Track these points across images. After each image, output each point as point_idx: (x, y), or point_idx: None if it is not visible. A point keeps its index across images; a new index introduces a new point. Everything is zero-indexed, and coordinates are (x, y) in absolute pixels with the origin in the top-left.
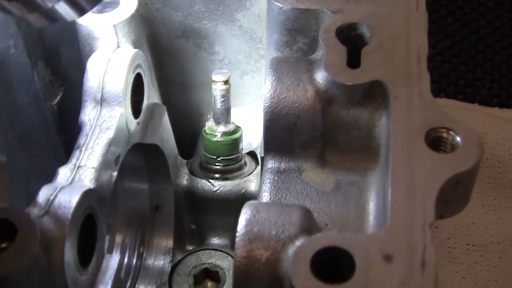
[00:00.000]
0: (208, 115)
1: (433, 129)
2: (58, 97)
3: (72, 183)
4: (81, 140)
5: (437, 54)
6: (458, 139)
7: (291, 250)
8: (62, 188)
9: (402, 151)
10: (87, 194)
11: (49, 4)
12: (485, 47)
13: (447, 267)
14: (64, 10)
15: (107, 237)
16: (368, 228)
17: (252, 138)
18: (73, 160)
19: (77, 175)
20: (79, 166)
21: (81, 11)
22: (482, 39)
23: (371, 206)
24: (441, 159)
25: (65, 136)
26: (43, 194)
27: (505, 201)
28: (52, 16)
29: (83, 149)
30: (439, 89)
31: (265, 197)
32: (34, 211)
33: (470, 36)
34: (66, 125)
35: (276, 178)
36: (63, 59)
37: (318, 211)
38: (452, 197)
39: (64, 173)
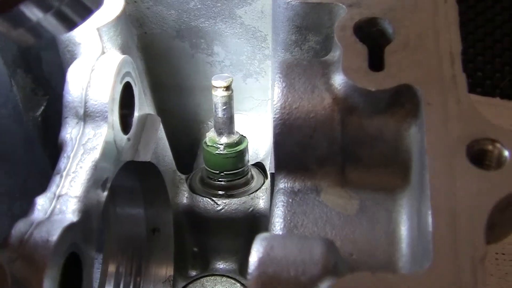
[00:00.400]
0: (209, 122)
1: (475, 141)
2: (42, 107)
3: (51, 216)
4: (62, 163)
5: None
6: (506, 153)
7: None
8: (39, 223)
9: (440, 169)
10: (69, 230)
11: (35, 19)
12: (502, 36)
13: None
14: (52, 24)
15: (99, 263)
16: (401, 257)
17: (259, 147)
18: (53, 188)
19: (58, 206)
20: (59, 195)
21: (71, 25)
22: (498, 27)
23: (403, 231)
24: (487, 178)
25: (52, 150)
26: (16, 232)
27: None
28: (38, 31)
29: (64, 174)
30: None
31: (278, 223)
32: (5, 254)
33: (486, 25)
34: (52, 138)
35: (290, 200)
36: (45, 65)
37: (342, 238)
38: (499, 221)
39: (41, 204)
